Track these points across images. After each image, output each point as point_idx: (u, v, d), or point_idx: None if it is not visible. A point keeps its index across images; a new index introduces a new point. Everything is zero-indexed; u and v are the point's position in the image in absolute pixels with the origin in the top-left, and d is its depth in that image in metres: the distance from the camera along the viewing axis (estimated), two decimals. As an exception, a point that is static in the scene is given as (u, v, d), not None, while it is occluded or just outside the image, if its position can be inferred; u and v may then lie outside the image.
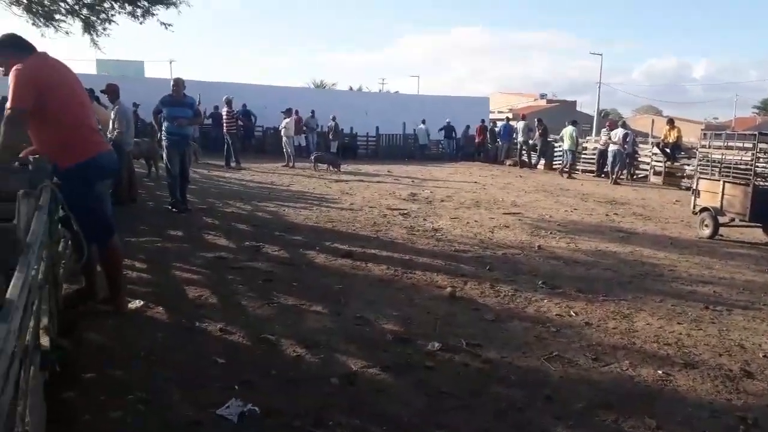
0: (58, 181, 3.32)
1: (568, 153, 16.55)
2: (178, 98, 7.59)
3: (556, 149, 19.21)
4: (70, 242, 3.91)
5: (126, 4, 9.96)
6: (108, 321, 3.57)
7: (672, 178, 14.97)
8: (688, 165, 14.13)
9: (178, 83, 7.69)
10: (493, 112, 37.10)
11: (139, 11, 10.05)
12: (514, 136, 20.21)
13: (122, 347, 3.23)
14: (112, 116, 7.60)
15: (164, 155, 7.78)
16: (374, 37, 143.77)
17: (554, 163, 18.98)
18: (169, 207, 7.69)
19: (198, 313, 3.82)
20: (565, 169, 16.42)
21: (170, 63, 58.61)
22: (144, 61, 35.19)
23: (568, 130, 16.51)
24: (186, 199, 7.87)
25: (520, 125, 19.90)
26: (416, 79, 70.81)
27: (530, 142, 19.43)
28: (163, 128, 7.68)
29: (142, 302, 3.90)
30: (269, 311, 3.95)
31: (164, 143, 7.66)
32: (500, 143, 21.31)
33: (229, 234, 6.45)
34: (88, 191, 3.45)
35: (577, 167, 16.64)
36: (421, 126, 22.75)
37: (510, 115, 27.36)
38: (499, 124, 22.96)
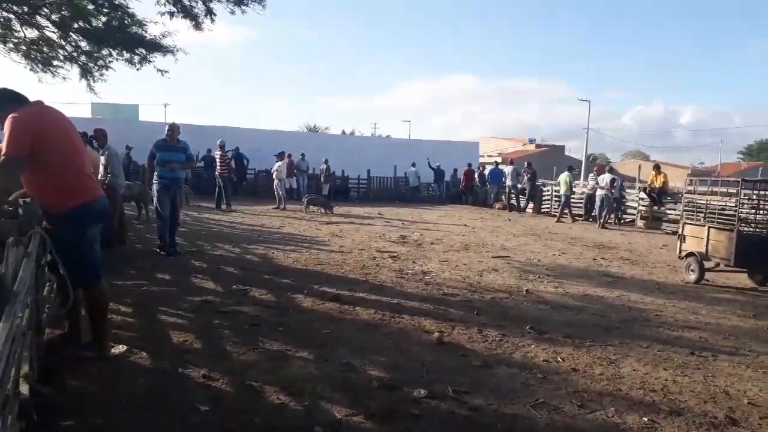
0: (48, 226, 3.35)
1: (563, 198, 16.81)
2: (171, 143, 7.73)
3: (544, 193, 19.53)
4: (55, 286, 3.90)
5: (124, 51, 10.13)
6: (90, 366, 3.52)
7: (656, 222, 15.20)
8: (674, 209, 14.38)
9: (173, 128, 7.85)
10: (483, 156, 37.77)
11: (136, 58, 10.20)
12: (503, 179, 20.53)
13: (104, 393, 3.18)
14: (103, 161, 7.69)
15: (155, 198, 7.83)
16: (368, 82, 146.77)
17: (542, 206, 19.28)
18: (158, 250, 7.68)
19: (182, 358, 3.78)
20: (565, 215, 16.71)
21: (165, 106, 59.57)
22: (139, 105, 35.70)
23: (563, 176, 16.80)
24: (175, 242, 7.87)
25: (508, 169, 20.28)
26: (408, 123, 72.15)
27: (519, 186, 19.75)
28: (156, 172, 7.76)
29: (125, 347, 3.87)
30: (254, 357, 3.92)
31: (155, 186, 7.72)
32: (489, 187, 21.62)
33: (217, 277, 6.43)
34: (80, 235, 3.47)
35: (565, 212, 16.88)
36: (411, 169, 23.16)
37: (499, 159, 27.81)
38: (488, 167, 23.35)
